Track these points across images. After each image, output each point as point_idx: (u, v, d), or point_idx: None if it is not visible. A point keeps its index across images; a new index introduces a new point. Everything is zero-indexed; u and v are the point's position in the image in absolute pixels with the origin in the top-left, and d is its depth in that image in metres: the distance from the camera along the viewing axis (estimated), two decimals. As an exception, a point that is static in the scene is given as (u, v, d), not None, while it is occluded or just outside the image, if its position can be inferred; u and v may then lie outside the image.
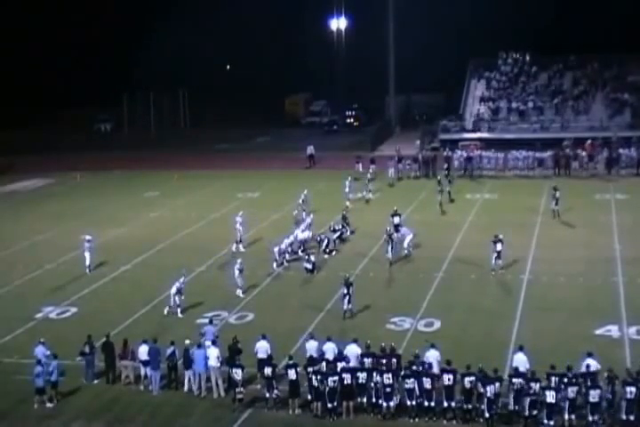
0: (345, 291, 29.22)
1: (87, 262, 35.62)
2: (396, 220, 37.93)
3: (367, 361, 23.22)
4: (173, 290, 30.16)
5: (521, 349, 23.30)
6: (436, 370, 22.52)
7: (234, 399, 23.08)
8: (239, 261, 32.25)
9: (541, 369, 21.98)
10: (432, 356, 22.95)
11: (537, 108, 64.35)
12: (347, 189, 46.40)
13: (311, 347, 24.15)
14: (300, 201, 43.31)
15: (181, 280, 30.48)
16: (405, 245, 36.30)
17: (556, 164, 53.96)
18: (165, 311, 30.17)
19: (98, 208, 48.73)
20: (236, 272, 31.86)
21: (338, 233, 38.23)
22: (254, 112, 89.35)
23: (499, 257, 33.26)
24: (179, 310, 30.10)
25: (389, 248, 35.14)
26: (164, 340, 25.13)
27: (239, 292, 31.75)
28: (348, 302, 29.19)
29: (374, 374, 22.44)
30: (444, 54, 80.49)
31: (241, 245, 38.04)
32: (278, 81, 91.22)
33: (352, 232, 39.96)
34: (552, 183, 46.13)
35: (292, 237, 36.66)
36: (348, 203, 45.79)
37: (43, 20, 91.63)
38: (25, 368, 24.54)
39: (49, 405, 23.60)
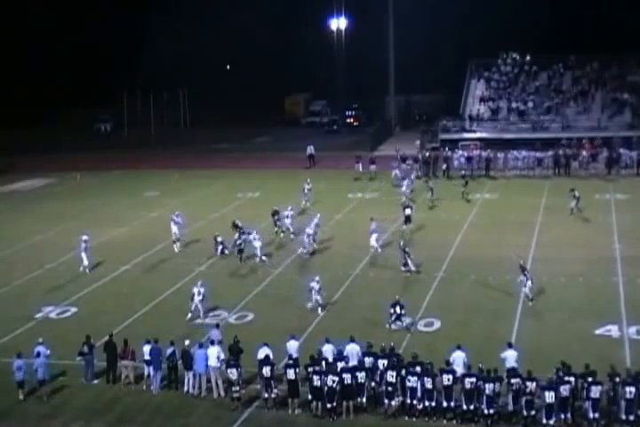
0: (392, 310, 28.02)
1: (85, 262, 35.56)
2: (373, 225, 37.28)
3: (367, 360, 23.26)
4: (196, 293, 29.49)
5: (510, 346, 23.47)
6: (460, 371, 22.39)
7: (231, 398, 23.10)
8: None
9: (541, 369, 21.99)
10: (458, 357, 22.89)
11: (537, 107, 64.40)
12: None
13: (327, 349, 24.05)
14: (305, 191, 45.23)
15: (199, 284, 30.10)
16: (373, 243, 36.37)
17: (555, 163, 53.98)
18: (188, 317, 29.70)
19: (98, 208, 48.74)
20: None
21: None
22: (254, 112, 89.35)
23: (525, 285, 30.58)
24: (201, 314, 29.64)
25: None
26: (164, 340, 25.06)
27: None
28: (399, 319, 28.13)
29: (375, 373, 22.53)
30: (444, 54, 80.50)
31: (175, 246, 38.35)
32: (278, 81, 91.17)
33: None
34: (551, 182, 46.14)
35: (315, 220, 37.90)
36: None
37: (43, 20, 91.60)
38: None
39: (21, 397, 23.89)
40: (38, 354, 24.22)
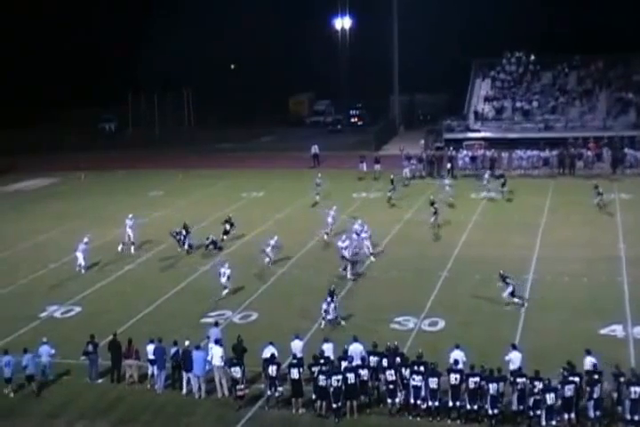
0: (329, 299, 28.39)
1: (82, 263, 35.58)
2: (356, 225, 36.90)
3: (372, 360, 23.24)
4: (221, 274, 31.33)
5: (514, 347, 23.34)
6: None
7: (235, 397, 23.10)
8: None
9: (545, 369, 21.95)
10: (457, 356, 22.85)
11: (541, 107, 64.32)
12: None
13: (328, 348, 24.01)
14: (316, 184, 46.52)
15: (226, 265, 31.63)
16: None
17: (560, 163, 53.88)
18: (224, 294, 31.37)
19: (101, 208, 48.78)
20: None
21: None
22: (258, 112, 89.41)
23: (512, 294, 29.77)
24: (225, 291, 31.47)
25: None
26: (168, 339, 25.01)
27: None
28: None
29: (378, 372, 22.55)
30: (448, 54, 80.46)
31: (128, 248, 38.52)
32: (282, 80, 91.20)
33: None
34: (556, 182, 45.89)
35: (356, 226, 36.75)
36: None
37: (45, 20, 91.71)
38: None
39: (11, 395, 24.13)
40: (25, 350, 24.39)
